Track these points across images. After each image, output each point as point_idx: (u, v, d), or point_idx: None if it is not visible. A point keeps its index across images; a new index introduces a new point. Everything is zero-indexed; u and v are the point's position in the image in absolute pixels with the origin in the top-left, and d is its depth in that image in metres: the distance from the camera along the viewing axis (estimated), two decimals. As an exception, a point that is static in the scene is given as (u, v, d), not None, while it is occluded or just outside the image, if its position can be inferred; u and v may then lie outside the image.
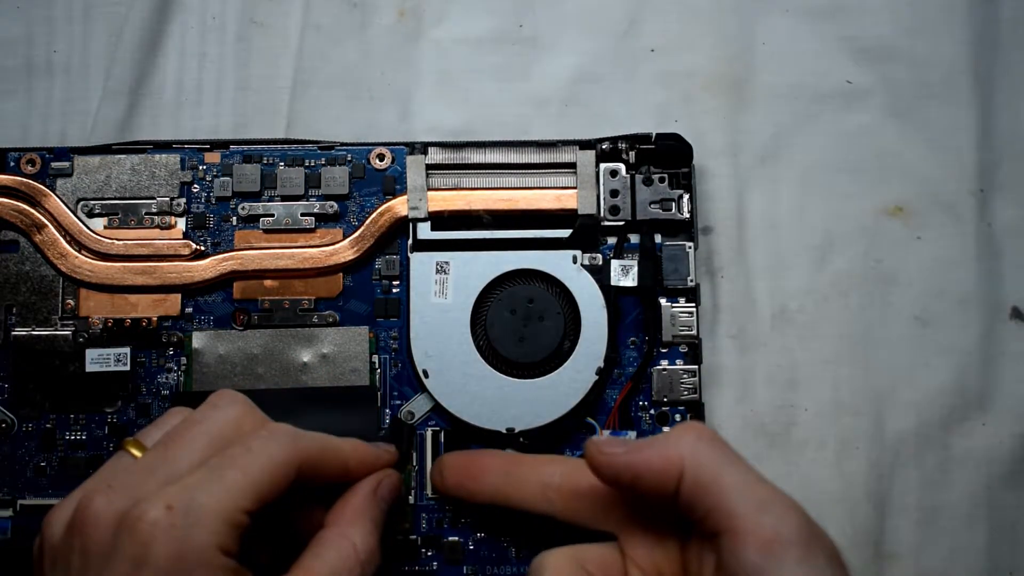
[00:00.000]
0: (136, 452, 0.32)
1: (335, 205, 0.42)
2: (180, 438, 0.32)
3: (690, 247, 0.42)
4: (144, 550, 0.29)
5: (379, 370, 0.42)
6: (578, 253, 0.42)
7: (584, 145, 0.43)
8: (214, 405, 0.33)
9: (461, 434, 0.41)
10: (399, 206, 0.42)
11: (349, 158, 0.43)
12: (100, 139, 0.44)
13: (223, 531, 0.29)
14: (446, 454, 0.39)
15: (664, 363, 0.42)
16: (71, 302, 0.42)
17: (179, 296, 0.42)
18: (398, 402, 0.42)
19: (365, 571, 0.32)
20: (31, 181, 0.42)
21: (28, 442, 0.41)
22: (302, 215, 0.42)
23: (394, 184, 0.43)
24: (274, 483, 0.31)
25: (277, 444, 0.32)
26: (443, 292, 0.42)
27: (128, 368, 0.41)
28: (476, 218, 0.42)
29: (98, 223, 0.42)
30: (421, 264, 0.42)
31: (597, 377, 0.41)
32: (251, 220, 0.43)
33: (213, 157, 0.43)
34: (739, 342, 0.44)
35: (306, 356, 0.41)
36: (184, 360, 0.42)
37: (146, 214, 0.42)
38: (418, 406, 0.42)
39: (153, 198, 0.43)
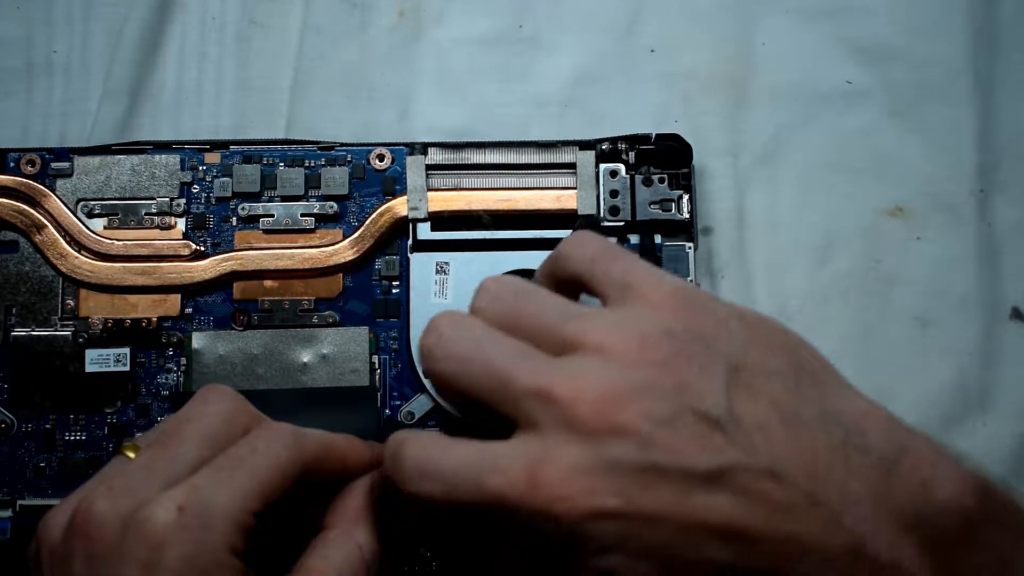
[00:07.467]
0: (132, 455, 0.32)
1: (335, 205, 0.42)
2: (175, 436, 0.32)
3: (690, 247, 0.42)
4: (156, 553, 0.28)
5: (379, 370, 0.42)
6: (578, 253, 0.42)
7: (584, 145, 0.43)
8: (204, 400, 0.33)
9: (461, 434, 0.41)
10: (399, 206, 0.42)
11: (349, 158, 0.43)
12: (100, 139, 0.44)
13: (234, 532, 0.29)
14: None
15: (664, 363, 0.42)
16: (71, 302, 0.42)
17: (179, 296, 0.42)
18: (398, 402, 0.42)
19: (371, 572, 0.32)
20: (31, 181, 0.42)
21: (28, 442, 0.41)
22: (302, 215, 0.42)
23: (394, 184, 0.43)
24: (281, 484, 0.31)
25: (282, 444, 0.32)
26: (443, 292, 0.42)
27: (128, 368, 0.41)
28: (476, 218, 0.42)
29: (98, 223, 0.42)
30: (421, 264, 0.42)
31: (597, 377, 0.41)
32: (251, 220, 0.43)
33: (213, 157, 0.43)
34: (739, 342, 0.44)
35: (306, 356, 0.41)
36: (184, 360, 0.42)
37: (146, 214, 0.42)
38: (418, 406, 0.41)
39: (153, 198, 0.43)
